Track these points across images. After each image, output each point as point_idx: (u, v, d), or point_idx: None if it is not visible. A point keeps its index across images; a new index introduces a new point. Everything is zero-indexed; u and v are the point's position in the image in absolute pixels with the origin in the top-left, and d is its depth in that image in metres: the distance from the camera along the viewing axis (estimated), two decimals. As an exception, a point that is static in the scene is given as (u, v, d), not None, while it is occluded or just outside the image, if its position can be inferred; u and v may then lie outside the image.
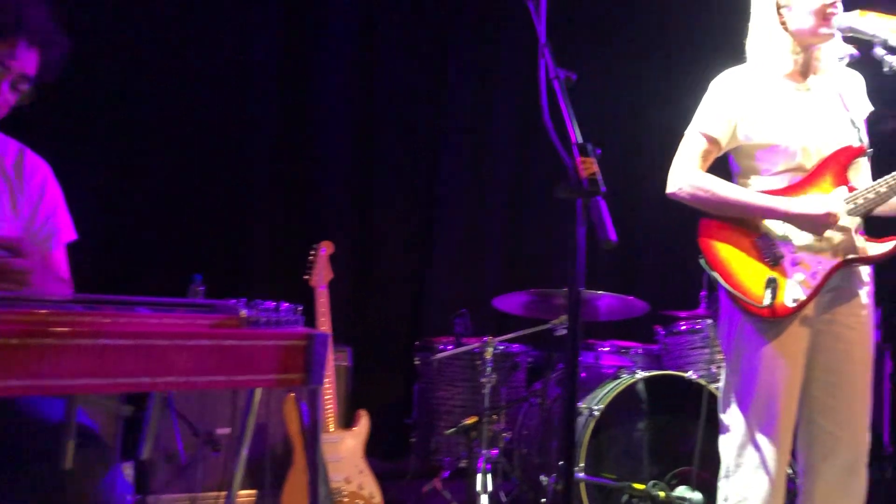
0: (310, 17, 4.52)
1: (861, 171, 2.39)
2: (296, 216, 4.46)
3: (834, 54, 2.38)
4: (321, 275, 3.63)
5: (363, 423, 3.58)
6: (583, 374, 3.82)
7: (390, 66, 4.71)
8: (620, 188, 5.09)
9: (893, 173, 2.26)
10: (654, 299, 4.56)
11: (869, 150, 2.36)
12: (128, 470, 2.85)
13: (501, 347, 3.88)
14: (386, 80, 4.71)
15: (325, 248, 3.67)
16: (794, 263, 2.28)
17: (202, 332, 1.47)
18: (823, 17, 2.29)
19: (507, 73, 4.86)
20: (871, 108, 2.46)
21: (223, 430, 3.49)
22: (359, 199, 4.63)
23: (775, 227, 2.33)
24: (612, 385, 3.43)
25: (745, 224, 2.35)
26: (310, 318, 3.62)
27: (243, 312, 1.58)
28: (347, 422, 3.75)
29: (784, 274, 2.27)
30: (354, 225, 4.60)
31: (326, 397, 3.51)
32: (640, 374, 3.45)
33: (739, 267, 2.31)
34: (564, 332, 3.68)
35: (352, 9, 4.65)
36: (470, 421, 3.42)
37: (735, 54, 2.50)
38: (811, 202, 2.25)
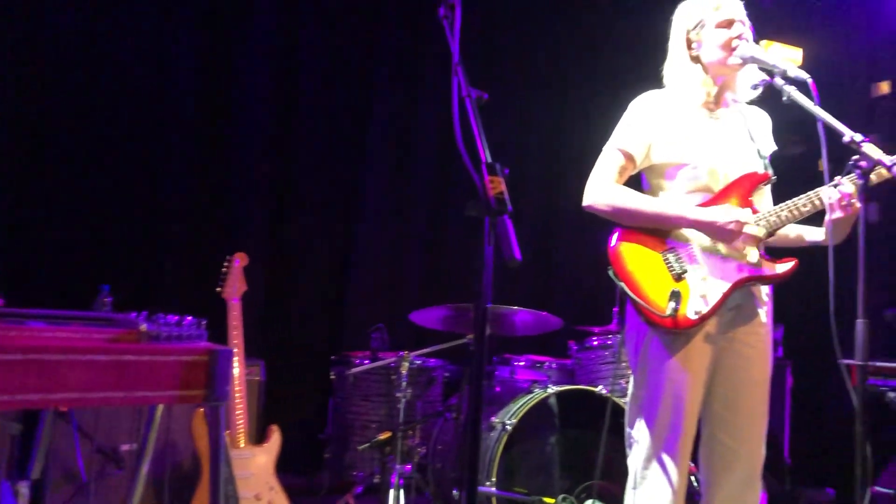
0: (229, 24, 4.44)
1: (764, 198, 2.50)
2: (210, 226, 4.34)
3: (747, 82, 2.49)
4: (234, 287, 3.56)
5: (275, 439, 3.52)
6: (497, 389, 3.86)
7: (313, 78, 4.65)
8: (539, 204, 5.21)
9: (794, 199, 2.38)
10: (571, 314, 4.67)
11: (772, 178, 2.47)
12: (23, 489, 2.72)
13: (418, 362, 3.88)
14: (308, 91, 4.65)
15: (240, 260, 3.61)
16: (698, 279, 2.36)
17: (98, 347, 1.43)
18: (730, 49, 2.40)
19: (431, 88, 4.87)
20: (775, 148, 2.59)
21: (128, 446, 3.38)
22: (276, 210, 4.54)
23: (682, 242, 2.41)
24: (525, 399, 3.47)
25: (653, 238, 2.42)
26: (222, 331, 3.55)
27: (143, 326, 1.54)
28: (259, 437, 3.68)
29: (688, 288, 2.35)
30: (271, 236, 4.50)
31: (237, 412, 3.44)
32: (552, 389, 3.50)
33: (645, 279, 2.37)
34: (480, 346, 3.71)
35: (274, 19, 4.58)
36: (384, 436, 3.41)
37: (653, 77, 2.60)
38: (719, 211, 2.34)
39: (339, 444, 3.92)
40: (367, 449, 3.45)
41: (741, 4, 2.48)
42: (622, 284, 2.38)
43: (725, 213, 2.32)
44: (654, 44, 2.63)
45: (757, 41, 2.50)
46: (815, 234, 2.50)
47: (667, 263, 2.39)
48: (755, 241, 2.36)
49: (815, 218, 2.40)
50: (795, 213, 2.35)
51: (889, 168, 2.09)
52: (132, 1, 4.19)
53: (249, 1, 4.49)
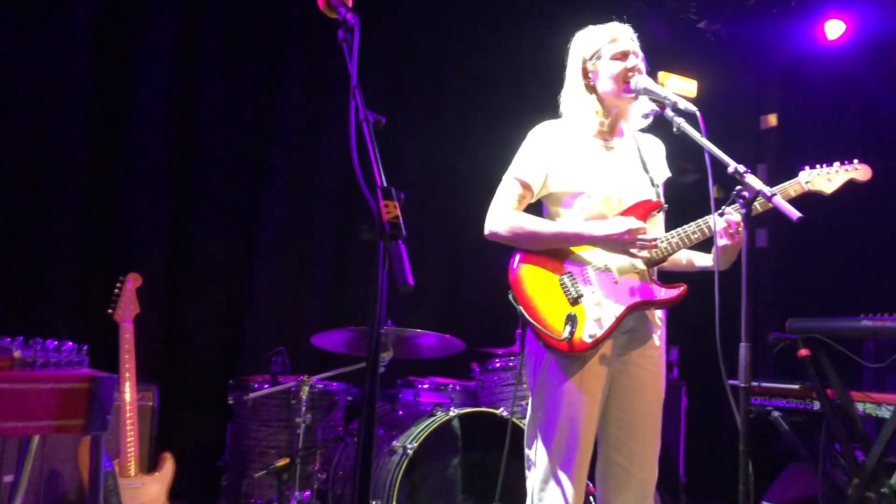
0: (126, 37, 4.27)
1: (657, 225, 2.58)
2: (103, 245, 4.13)
3: (639, 111, 2.57)
4: (127, 309, 3.44)
5: (168, 467, 3.40)
6: (400, 413, 3.84)
7: (213, 95, 4.52)
8: (446, 228, 5.24)
9: (685, 227, 2.48)
10: (478, 336, 4.70)
11: (664, 206, 2.56)
12: None
13: (320, 386, 3.82)
14: (209, 109, 4.51)
15: (133, 281, 3.50)
16: (593, 303, 2.42)
17: (-36, 375, 1.35)
18: (624, 81, 2.49)
19: (335, 109, 4.82)
20: (669, 174, 2.68)
21: (9, 478, 3.19)
22: (174, 230, 4.37)
23: (578, 265, 2.47)
24: (426, 423, 3.46)
25: (551, 262, 2.47)
26: (113, 355, 3.41)
27: (17, 353, 1.46)
28: (152, 465, 3.55)
29: (583, 311, 2.41)
30: (167, 257, 4.32)
31: (128, 440, 3.30)
32: (454, 412, 3.51)
33: (543, 303, 2.42)
34: (383, 369, 3.69)
35: (175, 31, 4.43)
36: (281, 463, 3.33)
37: (552, 105, 2.66)
38: (613, 223, 2.40)
39: (237, 471, 3.81)
40: (264, 475, 3.36)
41: (635, 37, 2.57)
42: (521, 308, 2.42)
43: (619, 224, 2.38)
44: (557, 72, 2.69)
45: (654, 73, 2.60)
46: (704, 260, 2.61)
47: (563, 287, 2.44)
48: (648, 261, 2.44)
49: (706, 244, 2.50)
50: (686, 240, 2.45)
51: (769, 198, 2.19)
52: (24, 14, 3.99)
53: (148, 13, 4.33)
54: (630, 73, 2.48)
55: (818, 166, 2.49)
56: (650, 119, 2.56)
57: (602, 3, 5.38)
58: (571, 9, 5.17)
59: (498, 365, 3.94)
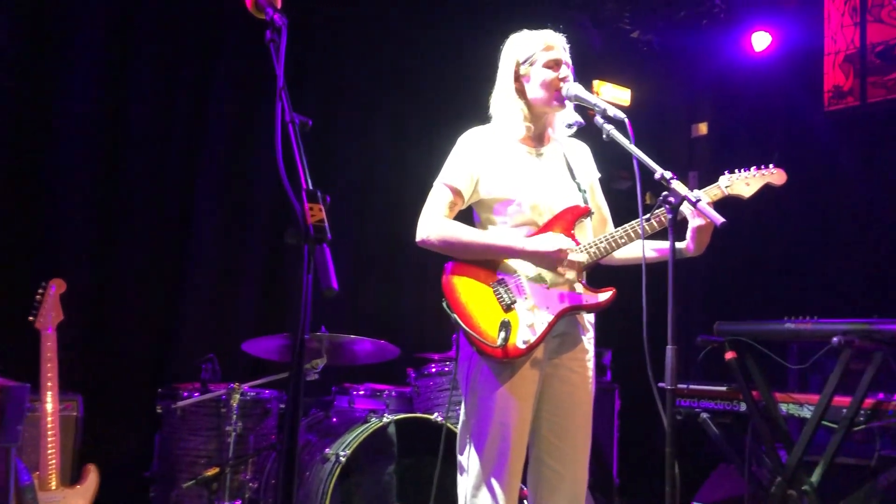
0: (53, 41, 4.10)
1: (585, 230, 2.63)
2: (23, 249, 3.95)
3: (564, 121, 2.63)
4: (49, 316, 3.33)
5: (91, 479, 3.30)
6: (334, 420, 3.80)
7: (142, 98, 4.35)
8: (381, 233, 5.22)
9: (612, 231, 2.53)
10: (413, 342, 4.68)
11: (591, 212, 2.61)
12: None
13: (251, 394, 3.75)
14: (138, 112, 4.35)
15: (56, 287, 3.38)
16: (525, 309, 2.45)
17: None
18: (554, 90, 2.53)
19: (267, 112, 4.69)
20: (599, 175, 2.72)
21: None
22: (100, 233, 4.20)
23: (510, 273, 2.49)
24: (360, 429, 3.43)
25: (483, 270, 2.50)
26: (34, 364, 3.29)
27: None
28: (75, 477, 3.43)
29: (517, 318, 2.43)
30: (93, 262, 4.15)
31: (49, 451, 3.19)
32: (388, 418, 3.49)
33: (477, 310, 2.45)
34: (317, 376, 3.64)
35: (102, 38, 4.26)
36: (211, 472, 3.26)
37: (486, 108, 2.68)
38: (544, 240, 2.44)
39: (165, 482, 3.71)
40: (193, 486, 3.28)
41: (568, 47, 2.62)
42: (455, 316, 2.43)
43: (550, 242, 2.42)
44: (490, 76, 2.71)
45: (588, 81, 2.65)
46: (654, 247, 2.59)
47: (496, 295, 2.47)
48: (578, 269, 2.47)
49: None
50: (613, 244, 2.50)
51: (694, 204, 2.25)
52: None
53: (76, 17, 4.19)
54: (561, 83, 2.53)
55: (737, 171, 2.57)
56: (573, 129, 2.63)
57: (537, 10, 5.47)
58: (506, 16, 5.22)
59: (434, 370, 3.94)
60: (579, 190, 2.60)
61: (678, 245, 2.59)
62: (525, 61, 2.57)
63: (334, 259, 1.49)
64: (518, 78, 2.59)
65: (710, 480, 4.38)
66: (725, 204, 2.52)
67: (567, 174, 2.62)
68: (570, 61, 2.59)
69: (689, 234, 2.51)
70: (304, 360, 1.46)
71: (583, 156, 2.72)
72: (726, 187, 2.53)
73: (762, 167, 2.58)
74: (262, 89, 4.71)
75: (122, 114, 4.32)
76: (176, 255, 4.46)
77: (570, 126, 2.63)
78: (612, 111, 2.46)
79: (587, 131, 2.64)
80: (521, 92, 2.59)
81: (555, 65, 2.54)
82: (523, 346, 2.40)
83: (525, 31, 2.64)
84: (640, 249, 2.50)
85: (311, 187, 1.54)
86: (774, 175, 2.57)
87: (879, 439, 3.22)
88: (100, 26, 4.26)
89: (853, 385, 3.24)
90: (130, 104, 4.34)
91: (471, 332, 2.40)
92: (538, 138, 2.63)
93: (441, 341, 4.25)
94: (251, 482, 3.59)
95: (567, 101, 2.54)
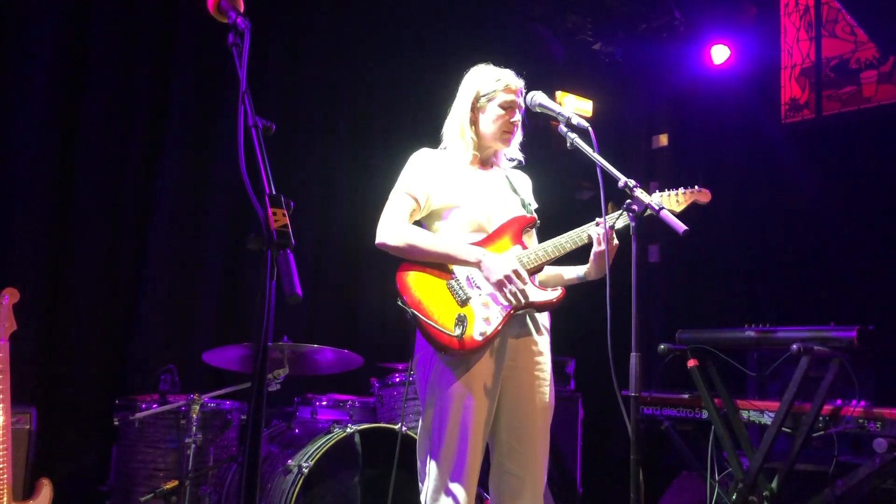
0: (6, 34, 4.02)
1: (532, 241, 2.73)
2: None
3: (508, 155, 2.79)
4: (2, 326, 3.23)
5: (45, 494, 3.20)
6: (297, 431, 3.75)
7: (99, 97, 4.26)
8: (344, 242, 5.18)
9: (558, 237, 2.60)
10: (377, 352, 4.64)
11: (537, 223, 2.70)
12: None
13: (211, 405, 3.68)
14: (94, 113, 4.25)
15: (9, 296, 3.29)
16: (480, 304, 2.49)
17: None
18: (503, 130, 2.69)
19: (228, 117, 4.64)
20: (536, 206, 2.80)
21: None
22: (54, 242, 4.08)
23: (464, 272, 2.55)
24: (323, 440, 3.39)
25: (439, 269, 2.56)
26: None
27: None
28: (28, 492, 3.33)
29: (472, 312, 2.48)
30: (47, 271, 4.04)
31: (0, 465, 3.08)
32: (351, 428, 3.45)
33: (433, 305, 2.49)
34: (278, 387, 3.59)
35: (58, 25, 4.16)
36: (170, 485, 3.19)
37: (438, 120, 2.78)
38: (501, 261, 2.48)
39: (122, 496, 3.61)
40: (151, 499, 3.21)
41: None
42: (411, 310, 2.44)
43: (506, 266, 2.47)
44: (448, 86, 2.82)
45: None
46: (571, 273, 2.74)
47: (451, 291, 2.53)
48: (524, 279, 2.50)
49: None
50: (560, 249, 2.58)
51: (657, 212, 2.28)
52: None
53: (26, 17, 4.07)
54: (511, 127, 2.69)
55: (667, 190, 2.67)
56: (514, 163, 2.80)
57: (500, 21, 5.51)
58: (470, 27, 5.25)
59: (398, 380, 3.91)
60: (523, 205, 2.72)
61: (571, 273, 2.74)
62: (485, 95, 2.70)
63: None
64: (475, 108, 2.72)
65: (671, 488, 4.42)
66: (686, 214, 2.58)
67: (510, 190, 2.75)
68: (522, 105, 2.71)
69: (591, 258, 2.61)
70: (266, 369, 1.43)
71: (524, 183, 2.85)
72: (657, 205, 2.58)
73: (689, 187, 2.69)
74: (221, 93, 4.65)
75: (76, 117, 4.21)
76: (132, 262, 4.36)
77: (511, 160, 2.80)
78: (576, 120, 2.53)
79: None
80: (474, 122, 2.72)
81: (510, 107, 2.68)
82: (480, 339, 2.44)
83: (491, 66, 2.76)
84: (553, 273, 2.69)
85: (274, 192, 1.52)
86: (701, 193, 2.68)
87: (838, 445, 3.27)
88: (54, 24, 4.16)
89: (811, 392, 3.29)
90: (85, 106, 4.24)
91: (428, 322, 2.42)
92: (484, 163, 2.77)
93: (405, 351, 4.22)
94: (211, 495, 3.52)
95: (511, 141, 2.71)
